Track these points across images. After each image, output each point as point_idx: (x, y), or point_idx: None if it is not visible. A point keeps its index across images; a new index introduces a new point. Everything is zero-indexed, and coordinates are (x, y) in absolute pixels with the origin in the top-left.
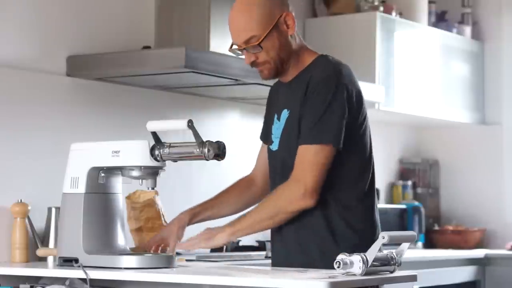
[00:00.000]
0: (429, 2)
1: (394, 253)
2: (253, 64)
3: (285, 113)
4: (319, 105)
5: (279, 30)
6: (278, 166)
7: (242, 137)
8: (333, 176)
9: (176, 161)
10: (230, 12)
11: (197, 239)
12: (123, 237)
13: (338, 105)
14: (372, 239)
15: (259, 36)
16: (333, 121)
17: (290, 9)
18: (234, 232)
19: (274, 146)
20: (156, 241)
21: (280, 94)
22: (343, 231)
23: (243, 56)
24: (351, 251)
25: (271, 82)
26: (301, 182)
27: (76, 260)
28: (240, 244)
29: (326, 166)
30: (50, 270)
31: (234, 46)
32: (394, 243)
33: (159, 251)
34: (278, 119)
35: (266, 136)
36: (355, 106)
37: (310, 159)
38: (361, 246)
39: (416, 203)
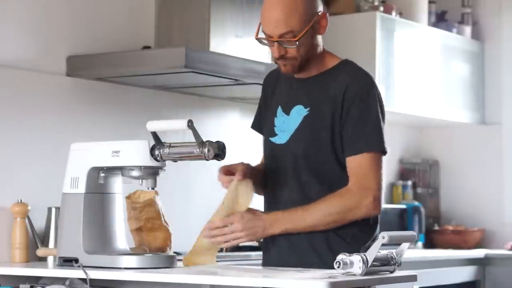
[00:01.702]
0: (429, 2)
1: (394, 253)
2: (280, 57)
3: (300, 110)
4: (369, 113)
5: (313, 29)
6: (289, 159)
7: (242, 137)
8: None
9: (176, 161)
10: (270, 1)
11: (251, 229)
12: (123, 237)
13: (382, 113)
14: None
15: (297, 32)
16: (382, 128)
17: (323, 9)
18: (284, 230)
19: (280, 140)
20: (224, 169)
21: (288, 88)
22: (353, 233)
23: (264, 46)
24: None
25: None
26: (370, 191)
27: (76, 260)
28: (240, 244)
29: (382, 174)
30: (50, 270)
31: (261, 35)
32: (394, 243)
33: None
34: (287, 113)
35: (260, 126)
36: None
37: (373, 167)
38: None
39: (416, 203)
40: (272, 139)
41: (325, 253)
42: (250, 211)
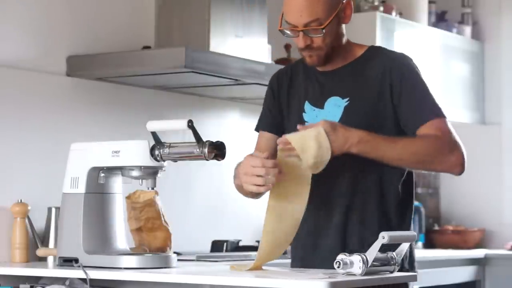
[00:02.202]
0: (429, 2)
1: (394, 253)
2: (306, 48)
3: (337, 101)
4: (421, 85)
5: (338, 17)
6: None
7: (242, 137)
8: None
9: (176, 161)
10: None
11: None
12: (123, 237)
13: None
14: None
15: (322, 20)
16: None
17: None
18: (365, 151)
19: None
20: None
21: (313, 83)
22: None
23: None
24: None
25: None
26: (459, 149)
27: (76, 260)
28: (240, 244)
29: None
30: (50, 270)
31: (285, 25)
32: (394, 243)
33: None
34: (320, 107)
35: (272, 126)
36: None
37: (452, 129)
38: None
39: (416, 203)
40: None
41: None
42: (331, 123)
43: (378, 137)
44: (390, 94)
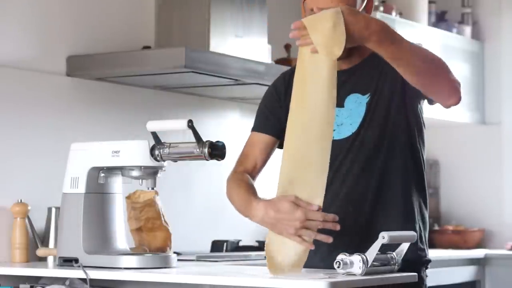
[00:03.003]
0: (429, 2)
1: (394, 253)
2: None
3: (357, 98)
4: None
5: (364, 9)
6: (354, 152)
7: (242, 137)
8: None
9: (176, 161)
10: None
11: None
12: (123, 237)
13: None
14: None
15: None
16: None
17: None
18: (382, 37)
19: (341, 134)
20: None
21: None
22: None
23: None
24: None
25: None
26: (458, 85)
27: (76, 260)
28: (240, 244)
29: None
30: (50, 270)
31: (309, 13)
32: (394, 243)
33: None
34: (340, 105)
35: (277, 130)
36: None
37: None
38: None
39: None
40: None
41: None
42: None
43: (397, 33)
44: (401, 86)
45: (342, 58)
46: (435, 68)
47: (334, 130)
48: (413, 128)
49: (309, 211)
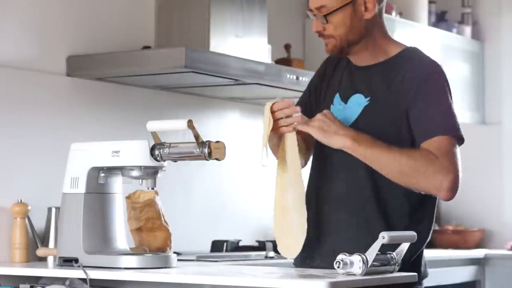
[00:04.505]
0: (429, 2)
1: (394, 253)
2: (319, 34)
3: (359, 98)
4: (436, 97)
5: (355, 10)
6: (344, 152)
7: (242, 137)
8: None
9: (176, 161)
10: None
11: (316, 123)
12: (123, 237)
13: (450, 100)
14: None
15: (329, 8)
16: (453, 113)
17: None
18: (356, 148)
19: None
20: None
21: (347, 76)
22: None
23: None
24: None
25: (270, 82)
26: (452, 174)
27: (76, 260)
28: (240, 244)
29: (460, 160)
30: (50, 270)
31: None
32: (394, 243)
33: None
34: (345, 101)
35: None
36: None
37: (451, 150)
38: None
39: None
40: None
41: None
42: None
43: (372, 139)
44: (404, 104)
45: (347, 54)
46: (414, 172)
47: None
48: (406, 142)
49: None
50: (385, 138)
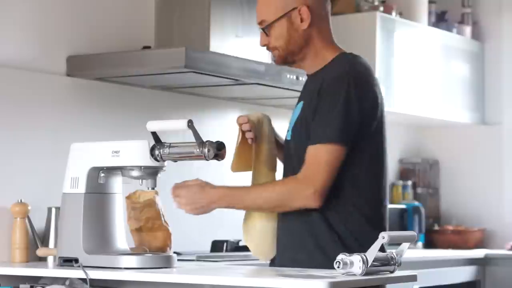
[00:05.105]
0: (429, 2)
1: (394, 253)
2: (267, 48)
3: (300, 105)
4: (330, 104)
5: (291, 22)
6: (293, 154)
7: None
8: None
9: (176, 161)
10: None
11: (191, 200)
12: (123, 237)
13: (348, 105)
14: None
15: (267, 22)
16: (343, 122)
17: (317, 2)
18: (227, 206)
19: (288, 135)
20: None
21: (304, 86)
22: (340, 231)
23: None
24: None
25: (270, 82)
26: (313, 183)
27: (76, 260)
28: (240, 244)
29: (336, 167)
30: (50, 270)
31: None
32: (394, 243)
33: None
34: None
35: None
36: (367, 107)
37: (322, 159)
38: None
39: (416, 203)
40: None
41: (315, 251)
42: (201, 183)
43: (236, 190)
44: (314, 108)
45: (292, 63)
46: (281, 202)
47: (288, 130)
48: None
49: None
50: (305, 147)
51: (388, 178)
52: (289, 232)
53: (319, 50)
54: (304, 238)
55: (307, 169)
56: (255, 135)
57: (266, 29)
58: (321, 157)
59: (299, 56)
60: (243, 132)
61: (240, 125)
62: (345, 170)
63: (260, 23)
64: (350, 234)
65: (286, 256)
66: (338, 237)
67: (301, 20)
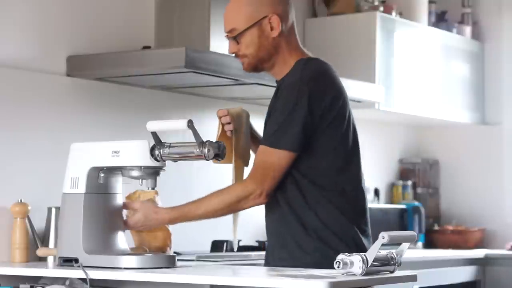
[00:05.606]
0: (429, 2)
1: (394, 253)
2: (236, 55)
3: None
4: (282, 109)
5: (261, 30)
6: None
7: None
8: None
9: (176, 161)
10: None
11: (140, 222)
12: (123, 237)
13: (299, 110)
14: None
15: (238, 30)
16: (293, 126)
17: (285, 11)
18: (176, 221)
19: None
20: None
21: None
22: (314, 225)
23: None
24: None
25: (270, 82)
26: (262, 186)
27: (76, 260)
28: (240, 244)
29: (283, 170)
30: (50, 270)
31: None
32: (394, 243)
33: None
34: None
35: None
36: (322, 109)
37: (269, 162)
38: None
39: (416, 203)
40: None
41: (296, 249)
42: (153, 206)
43: (185, 207)
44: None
45: (261, 71)
46: (230, 206)
47: None
48: None
49: None
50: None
51: (360, 167)
52: (274, 233)
53: (287, 57)
54: (285, 238)
55: (257, 172)
56: (234, 128)
57: (237, 37)
58: (271, 162)
59: (269, 63)
60: (222, 125)
61: (219, 117)
62: (311, 166)
63: (230, 31)
64: (325, 227)
65: (275, 256)
66: (313, 232)
67: (271, 28)
